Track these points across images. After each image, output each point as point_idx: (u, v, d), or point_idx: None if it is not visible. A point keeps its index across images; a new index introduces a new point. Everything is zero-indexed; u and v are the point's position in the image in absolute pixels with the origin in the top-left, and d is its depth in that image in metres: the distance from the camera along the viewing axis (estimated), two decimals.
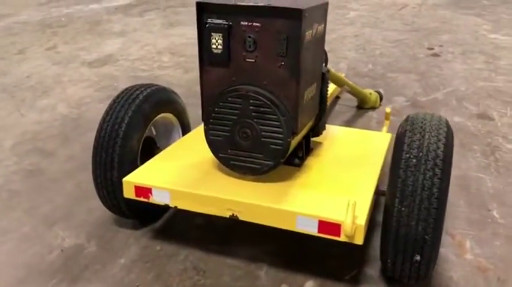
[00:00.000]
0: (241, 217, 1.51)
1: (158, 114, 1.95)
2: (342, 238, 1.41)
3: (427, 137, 1.47)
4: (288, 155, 1.54)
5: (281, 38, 1.42)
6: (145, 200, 1.63)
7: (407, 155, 1.44)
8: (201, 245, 1.86)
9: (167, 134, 2.14)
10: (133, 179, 1.63)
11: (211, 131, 1.57)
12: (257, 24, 1.43)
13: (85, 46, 4.85)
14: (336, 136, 2.04)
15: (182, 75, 3.94)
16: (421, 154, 1.43)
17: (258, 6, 1.41)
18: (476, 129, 2.88)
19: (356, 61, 4.23)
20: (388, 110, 2.35)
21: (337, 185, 1.60)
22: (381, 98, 3.23)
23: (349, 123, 2.98)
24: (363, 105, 3.15)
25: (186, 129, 2.20)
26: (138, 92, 1.86)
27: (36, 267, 1.77)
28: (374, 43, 4.81)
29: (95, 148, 1.77)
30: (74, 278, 1.71)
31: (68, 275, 1.73)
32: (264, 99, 1.47)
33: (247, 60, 1.48)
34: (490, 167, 2.45)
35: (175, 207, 1.60)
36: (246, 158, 1.56)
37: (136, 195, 1.63)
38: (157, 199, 1.60)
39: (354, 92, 2.94)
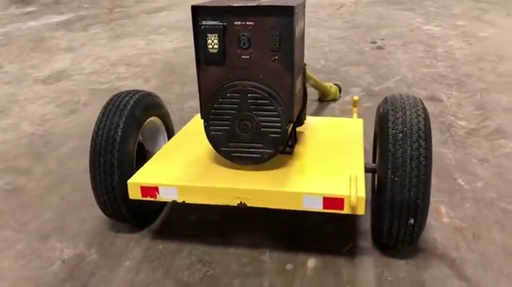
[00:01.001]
0: (250, 204, 1.60)
1: (147, 119, 2.00)
2: (346, 210, 1.54)
3: (408, 113, 1.64)
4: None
5: (274, 34, 1.53)
6: (152, 199, 1.68)
7: (394, 131, 1.60)
8: (202, 239, 1.93)
9: (153, 137, 2.18)
10: (138, 180, 1.68)
11: (211, 127, 1.65)
12: (250, 23, 1.53)
13: (34, 64, 4.71)
14: (315, 125, 2.19)
15: (143, 85, 3.94)
16: (405, 128, 1.60)
17: (250, 6, 1.52)
18: (430, 111, 3.08)
19: (309, 58, 4.40)
20: (356, 98, 2.53)
21: (331, 166, 1.73)
22: (340, 90, 3.43)
23: (315, 115, 3.15)
24: (324, 98, 3.33)
25: (170, 132, 2.26)
26: (127, 98, 1.90)
27: (42, 280, 1.76)
28: (321, 41, 5.05)
29: (92, 154, 1.79)
30: (84, 284, 1.72)
31: (76, 283, 1.73)
32: (261, 92, 1.57)
33: (243, 57, 1.58)
34: (447, 142, 2.70)
35: (183, 202, 1.67)
36: (246, 149, 1.66)
37: (143, 195, 1.67)
38: (164, 196, 1.66)
39: (316, 86, 3.11)
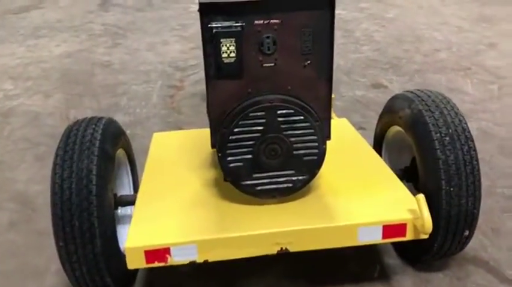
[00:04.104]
0: (293, 248, 1.31)
1: (116, 153, 1.57)
2: (408, 237, 1.34)
3: (446, 113, 1.49)
4: None
5: (306, 33, 1.25)
6: (162, 264, 1.29)
7: (438, 135, 1.44)
8: None
9: (115, 174, 1.73)
10: (140, 243, 1.27)
11: (229, 158, 1.31)
12: (276, 21, 1.23)
13: None
14: None
15: (45, 102, 3.31)
16: (450, 130, 1.44)
17: (278, 0, 1.21)
18: (381, 99, 3.10)
19: None
20: (332, 95, 2.33)
21: (367, 184, 1.51)
22: None
23: None
24: None
25: (132, 163, 1.84)
26: (90, 130, 1.46)
27: None
28: None
29: (59, 217, 1.33)
30: None
31: None
32: (293, 106, 1.28)
33: (265, 65, 1.28)
34: None
35: (205, 261, 1.30)
36: (274, 179, 1.36)
37: (148, 261, 1.28)
38: (178, 258, 1.28)
39: None
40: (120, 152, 1.69)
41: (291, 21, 1.24)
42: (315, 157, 1.34)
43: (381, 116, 1.84)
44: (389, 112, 1.73)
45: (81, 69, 3.90)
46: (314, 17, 1.25)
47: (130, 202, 1.58)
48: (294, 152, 1.33)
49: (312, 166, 1.35)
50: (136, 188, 1.81)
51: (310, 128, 1.31)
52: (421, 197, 1.30)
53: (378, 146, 1.91)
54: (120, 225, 1.76)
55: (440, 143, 1.43)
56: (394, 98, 1.71)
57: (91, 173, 1.35)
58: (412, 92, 1.66)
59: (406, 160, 1.77)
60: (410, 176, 1.67)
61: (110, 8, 5.99)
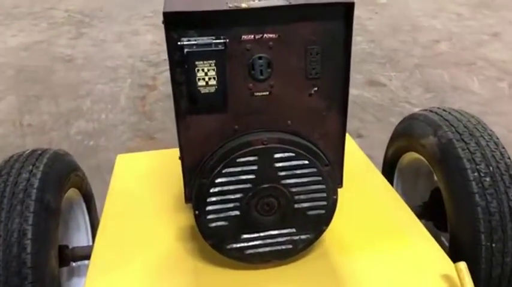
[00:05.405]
0: None
1: (63, 198, 1.25)
2: None
3: (484, 144, 1.21)
4: None
5: (314, 51, 0.95)
6: None
7: (476, 174, 1.16)
8: None
9: (65, 218, 1.42)
10: None
11: (210, 216, 1.01)
12: (271, 35, 0.92)
13: None
14: None
15: None
16: (491, 168, 1.16)
17: (272, 7, 0.90)
18: (379, 100, 2.83)
19: None
20: None
21: (386, 236, 1.22)
22: None
23: None
24: None
25: (90, 201, 1.52)
26: (26, 174, 1.14)
27: None
28: None
29: None
30: None
31: None
32: (295, 148, 0.99)
33: (257, 94, 0.98)
34: None
35: None
36: (269, 239, 1.06)
37: None
38: None
39: None
40: (72, 192, 1.37)
41: (292, 36, 0.94)
42: (323, 211, 1.05)
43: (393, 139, 1.54)
44: (407, 136, 1.44)
45: (39, 65, 3.52)
46: (324, 29, 0.94)
47: (85, 256, 1.28)
48: (296, 206, 1.03)
49: (318, 222, 1.06)
50: (95, 232, 1.49)
51: (317, 175, 1.01)
52: (463, 266, 1.02)
53: (387, 173, 1.62)
54: (75, 278, 1.47)
55: (479, 185, 1.15)
56: (413, 119, 1.42)
57: (25, 237, 1.04)
58: (436, 112, 1.37)
59: (423, 191, 1.49)
60: (430, 214, 1.40)
61: None
